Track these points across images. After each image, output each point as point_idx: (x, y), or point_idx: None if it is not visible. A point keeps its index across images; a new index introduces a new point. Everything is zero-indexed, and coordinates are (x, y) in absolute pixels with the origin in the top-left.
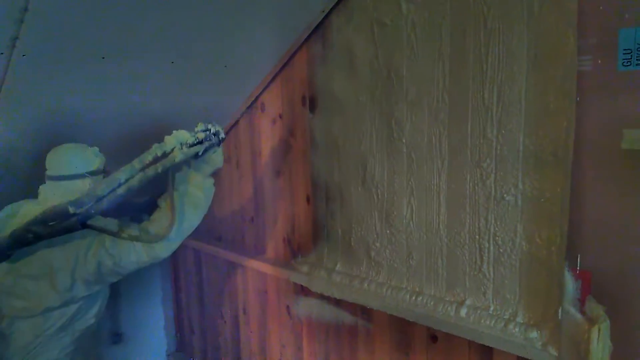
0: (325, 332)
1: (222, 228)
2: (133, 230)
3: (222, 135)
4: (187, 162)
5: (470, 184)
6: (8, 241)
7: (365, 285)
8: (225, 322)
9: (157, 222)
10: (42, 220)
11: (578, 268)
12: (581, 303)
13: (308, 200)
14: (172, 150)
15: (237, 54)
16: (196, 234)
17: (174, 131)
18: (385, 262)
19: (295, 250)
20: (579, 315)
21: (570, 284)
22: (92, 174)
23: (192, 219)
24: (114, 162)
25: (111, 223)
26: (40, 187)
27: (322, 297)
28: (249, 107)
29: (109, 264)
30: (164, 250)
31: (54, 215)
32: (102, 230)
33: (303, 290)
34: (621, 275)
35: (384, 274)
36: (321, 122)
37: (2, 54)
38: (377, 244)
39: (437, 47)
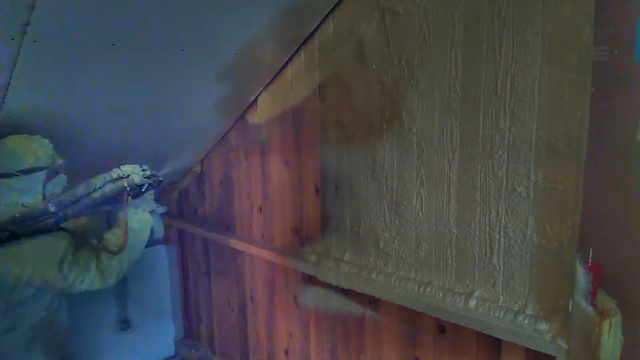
0: (332, 322)
1: (231, 217)
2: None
3: (159, 179)
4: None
5: (482, 175)
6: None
7: (374, 275)
8: (232, 310)
9: (113, 234)
10: (21, 219)
11: (590, 260)
12: (592, 296)
13: (317, 190)
14: (130, 173)
15: (250, 43)
16: (205, 223)
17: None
18: (394, 253)
19: (304, 239)
20: (589, 308)
21: (582, 276)
22: (35, 170)
23: (144, 238)
24: (125, 153)
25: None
26: None
27: (329, 286)
28: (257, 96)
29: (59, 286)
30: (115, 278)
31: (33, 214)
32: (73, 234)
33: (311, 280)
34: (634, 269)
35: (393, 264)
36: (331, 111)
37: (13, 40)
38: (386, 235)
39: (450, 36)
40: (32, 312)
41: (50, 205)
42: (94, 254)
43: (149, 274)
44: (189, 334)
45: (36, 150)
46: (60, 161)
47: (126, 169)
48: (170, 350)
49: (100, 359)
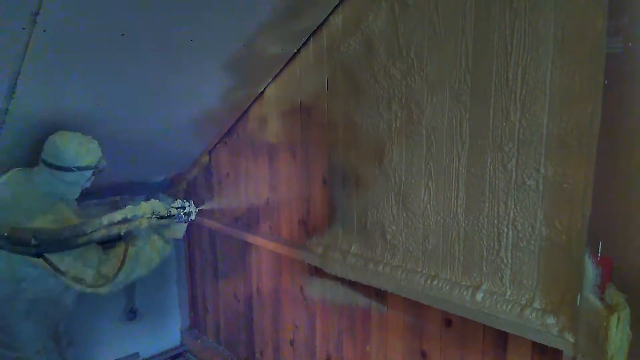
0: (338, 313)
1: (238, 208)
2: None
3: (192, 217)
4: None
5: (491, 168)
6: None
7: (380, 268)
8: (239, 301)
9: (110, 263)
10: (7, 238)
11: (599, 254)
12: (601, 290)
13: (324, 182)
14: (142, 216)
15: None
16: (212, 214)
17: (152, 199)
18: (401, 245)
19: (310, 232)
20: (598, 302)
21: (590, 270)
22: (87, 169)
23: (140, 274)
24: (131, 143)
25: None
26: (38, 171)
27: (336, 278)
28: (265, 88)
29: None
30: (107, 290)
31: (17, 239)
32: (53, 266)
33: (317, 272)
34: None
35: (400, 257)
36: (339, 103)
37: (23, 29)
38: (393, 227)
39: (461, 27)
40: (33, 289)
41: (33, 238)
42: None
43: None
44: (195, 324)
45: (93, 151)
46: (104, 163)
47: (145, 208)
48: (176, 340)
49: (106, 348)
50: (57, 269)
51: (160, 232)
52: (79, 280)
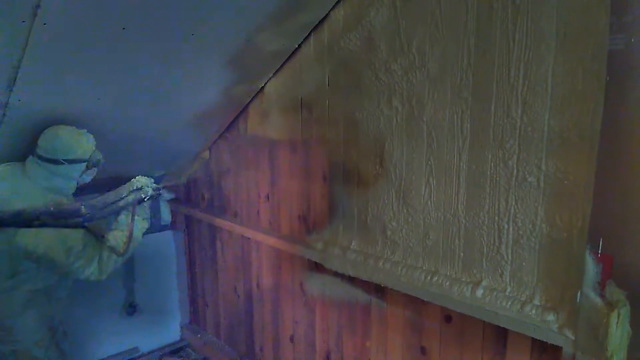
0: (338, 309)
1: (238, 204)
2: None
3: (160, 192)
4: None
5: (492, 164)
6: (12, 218)
7: (380, 263)
8: (238, 296)
9: (116, 238)
10: (54, 213)
11: (599, 251)
12: (601, 287)
13: (325, 178)
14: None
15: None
16: (212, 209)
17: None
18: (401, 242)
19: (310, 227)
20: (598, 299)
21: (591, 267)
22: (78, 161)
23: (136, 244)
24: (132, 139)
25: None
26: (28, 160)
27: (336, 274)
28: (265, 83)
29: (63, 270)
30: (107, 275)
31: (67, 212)
32: (93, 232)
33: (317, 267)
34: None
35: (400, 253)
36: (339, 99)
37: (23, 22)
38: (394, 223)
39: (463, 23)
40: (32, 281)
41: (83, 207)
42: (99, 250)
43: (155, 259)
44: (195, 319)
45: (83, 144)
46: (99, 157)
47: (142, 180)
48: (176, 335)
49: (106, 343)
50: (99, 235)
51: (143, 215)
52: (112, 248)
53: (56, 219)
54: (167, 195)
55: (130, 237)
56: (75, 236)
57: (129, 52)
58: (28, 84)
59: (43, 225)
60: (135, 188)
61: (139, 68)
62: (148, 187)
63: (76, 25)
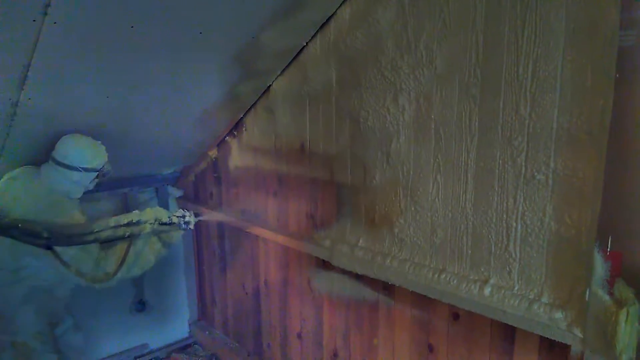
0: (346, 307)
1: (246, 201)
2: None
3: (191, 226)
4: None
5: (500, 162)
6: (8, 231)
7: (388, 261)
8: (246, 293)
9: (109, 261)
10: (21, 229)
11: (608, 249)
12: (610, 285)
13: (332, 175)
14: (146, 222)
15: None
16: (220, 206)
17: (157, 207)
18: (409, 239)
19: (318, 224)
20: (607, 297)
21: (600, 265)
22: (92, 170)
23: (135, 273)
24: (141, 136)
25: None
26: (47, 167)
27: (343, 272)
28: (273, 81)
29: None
30: (103, 286)
31: (29, 232)
32: (59, 259)
33: (324, 265)
34: None
35: (407, 250)
36: (347, 97)
37: (34, 21)
38: (401, 221)
39: (471, 19)
40: (32, 278)
41: (45, 231)
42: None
43: (164, 256)
44: (203, 316)
45: (99, 155)
46: (109, 168)
47: (149, 214)
48: (184, 332)
49: (115, 339)
50: (63, 262)
51: (159, 236)
52: (80, 274)
53: (24, 235)
54: (176, 192)
55: (121, 264)
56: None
57: (138, 50)
58: (38, 82)
59: (12, 237)
60: (152, 221)
61: (148, 65)
62: (152, 222)
63: (86, 24)
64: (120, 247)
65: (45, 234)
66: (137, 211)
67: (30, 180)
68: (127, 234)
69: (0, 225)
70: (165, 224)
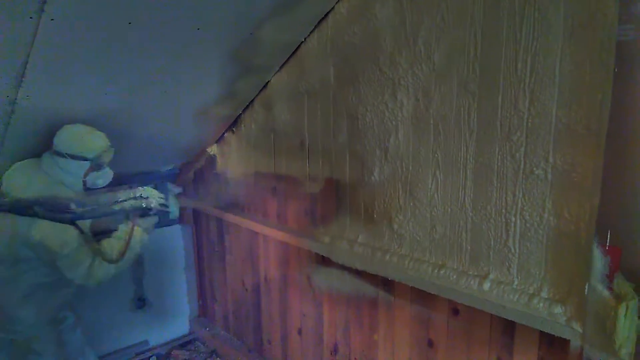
0: (345, 302)
1: (245, 197)
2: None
3: (175, 215)
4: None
5: (499, 157)
6: (12, 204)
7: (387, 257)
8: (247, 290)
9: (112, 246)
10: (46, 203)
11: (607, 244)
12: (609, 280)
13: (331, 171)
14: (148, 197)
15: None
16: (219, 203)
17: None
18: (408, 235)
19: (317, 221)
20: (606, 292)
21: (599, 260)
22: (81, 159)
23: (130, 262)
24: (138, 132)
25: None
26: (45, 155)
27: (343, 268)
28: (271, 77)
29: (54, 264)
30: (97, 283)
31: (57, 206)
32: (81, 231)
33: (324, 261)
34: None
35: (407, 246)
36: (345, 92)
37: (30, 18)
38: (400, 217)
39: (469, 15)
40: (32, 273)
41: (73, 204)
42: (91, 255)
43: (164, 253)
44: (204, 312)
45: (88, 142)
46: (106, 160)
47: (149, 191)
48: (185, 328)
49: (116, 336)
50: (84, 234)
51: (143, 227)
52: (105, 254)
53: (47, 210)
54: (175, 189)
55: (127, 246)
56: (72, 233)
57: (135, 47)
58: (36, 79)
59: (35, 215)
60: (137, 196)
61: (145, 62)
62: (154, 199)
63: (83, 21)
64: (123, 231)
65: (72, 206)
66: (140, 188)
67: (32, 171)
68: (144, 204)
69: (21, 203)
70: (162, 204)
